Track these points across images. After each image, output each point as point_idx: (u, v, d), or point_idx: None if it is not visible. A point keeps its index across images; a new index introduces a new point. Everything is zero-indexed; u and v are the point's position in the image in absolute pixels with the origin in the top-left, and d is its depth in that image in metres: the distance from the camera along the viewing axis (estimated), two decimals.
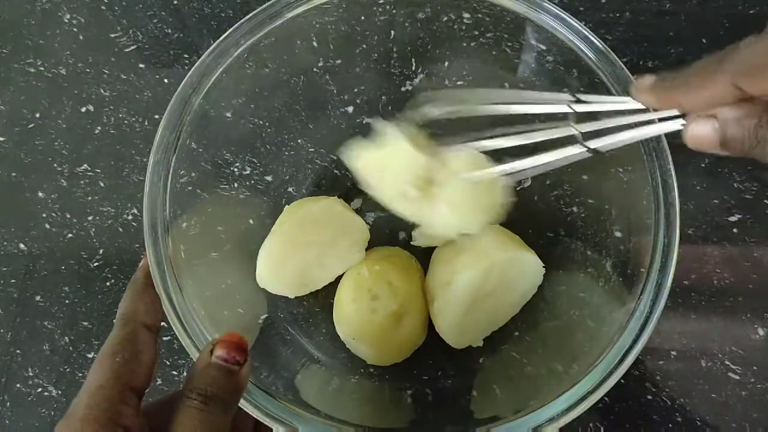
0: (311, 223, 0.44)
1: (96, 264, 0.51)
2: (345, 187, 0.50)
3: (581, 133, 0.31)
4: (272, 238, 0.44)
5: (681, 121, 0.27)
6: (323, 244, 0.43)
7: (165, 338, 0.48)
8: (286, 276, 0.43)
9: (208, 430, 0.26)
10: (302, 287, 0.44)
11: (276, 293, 0.44)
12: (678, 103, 0.26)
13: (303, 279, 0.44)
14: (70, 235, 0.52)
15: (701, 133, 0.24)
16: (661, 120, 0.28)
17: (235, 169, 0.44)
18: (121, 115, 0.55)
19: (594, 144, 0.31)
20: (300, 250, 0.43)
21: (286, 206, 0.46)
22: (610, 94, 0.38)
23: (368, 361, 0.44)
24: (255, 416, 0.32)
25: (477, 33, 0.43)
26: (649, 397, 0.46)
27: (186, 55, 0.57)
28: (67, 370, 0.48)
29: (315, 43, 0.43)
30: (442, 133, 0.38)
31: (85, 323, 0.50)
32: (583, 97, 0.32)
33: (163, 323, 0.33)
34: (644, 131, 0.29)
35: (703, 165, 0.51)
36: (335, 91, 0.47)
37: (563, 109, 0.32)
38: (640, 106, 0.29)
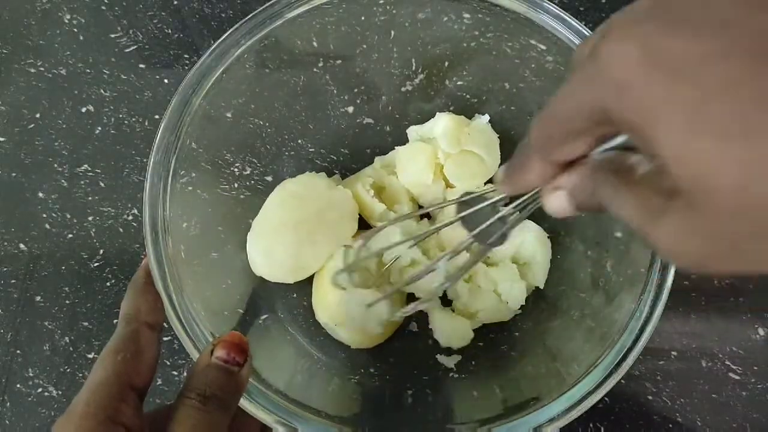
0: (293, 201, 0.44)
1: (96, 264, 0.51)
2: None
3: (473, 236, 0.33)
4: (258, 224, 0.44)
5: (538, 197, 0.27)
6: (310, 220, 0.43)
7: (165, 338, 0.48)
8: (279, 259, 0.43)
9: (207, 429, 0.26)
10: (300, 270, 0.44)
11: (274, 280, 0.44)
12: (524, 188, 0.26)
13: (298, 261, 0.43)
14: (70, 236, 0.52)
15: (556, 206, 0.25)
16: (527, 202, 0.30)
17: (235, 169, 0.44)
18: (121, 116, 0.55)
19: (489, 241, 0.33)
20: (288, 230, 0.43)
21: (269, 195, 0.46)
22: None
23: (351, 346, 0.44)
24: (255, 416, 0.32)
25: (477, 33, 0.43)
26: (650, 397, 0.46)
27: (186, 56, 0.57)
28: (68, 370, 0.48)
29: (315, 43, 0.43)
30: None
31: (86, 323, 0.50)
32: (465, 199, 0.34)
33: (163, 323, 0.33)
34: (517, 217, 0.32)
35: None
36: (335, 91, 0.47)
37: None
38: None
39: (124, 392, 0.27)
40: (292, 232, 0.43)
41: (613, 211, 0.21)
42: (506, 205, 0.32)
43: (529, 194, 0.29)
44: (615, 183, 0.20)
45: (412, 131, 0.49)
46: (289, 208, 0.44)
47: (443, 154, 0.46)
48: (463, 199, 0.34)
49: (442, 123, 0.46)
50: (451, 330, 0.44)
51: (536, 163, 0.24)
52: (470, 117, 0.48)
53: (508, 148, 0.47)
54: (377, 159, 0.49)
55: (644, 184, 0.19)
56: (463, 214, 0.33)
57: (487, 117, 0.47)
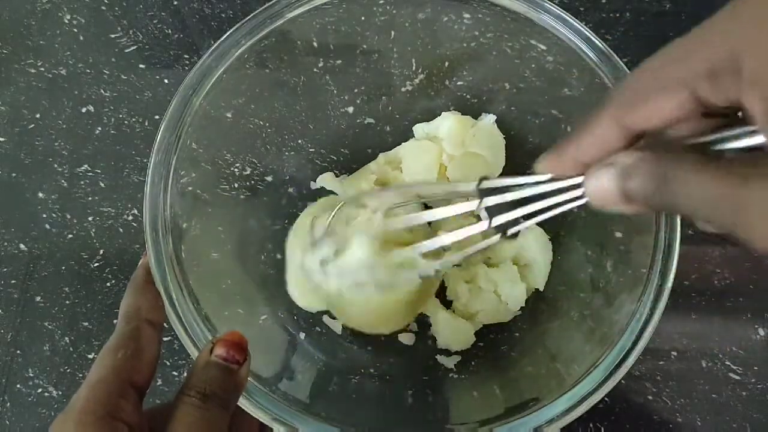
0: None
1: (96, 264, 0.51)
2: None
3: (490, 220, 0.29)
4: (289, 266, 0.45)
5: (580, 180, 0.23)
6: None
7: (165, 338, 0.48)
8: (321, 293, 0.43)
9: (206, 427, 0.26)
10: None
11: (316, 311, 0.45)
12: (574, 161, 0.23)
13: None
14: (70, 236, 0.52)
15: (598, 186, 0.21)
16: (564, 192, 0.25)
17: (236, 170, 0.44)
18: (121, 116, 0.55)
19: (505, 229, 0.29)
20: None
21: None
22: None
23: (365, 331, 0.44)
24: (255, 416, 0.32)
25: (477, 33, 0.43)
26: (650, 397, 0.46)
27: (186, 56, 0.57)
28: (68, 370, 0.48)
29: (315, 43, 0.43)
30: None
31: (86, 324, 0.49)
32: (488, 183, 0.30)
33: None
34: (551, 211, 0.27)
35: None
36: (335, 91, 0.47)
37: (472, 192, 0.30)
38: (544, 178, 0.26)
39: (123, 389, 0.27)
40: None
41: (676, 203, 0.18)
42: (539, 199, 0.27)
43: (569, 183, 0.25)
44: (693, 163, 0.17)
45: (419, 128, 0.49)
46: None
47: (447, 156, 0.46)
48: (487, 185, 0.29)
49: (447, 124, 0.46)
50: (452, 333, 0.44)
51: (605, 121, 0.20)
52: (474, 117, 0.48)
53: (510, 149, 0.47)
54: (381, 155, 0.49)
55: (728, 164, 0.17)
56: (490, 202, 0.29)
57: (493, 117, 0.47)
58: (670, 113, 0.19)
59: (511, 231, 0.29)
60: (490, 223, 0.29)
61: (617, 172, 0.21)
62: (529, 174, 0.27)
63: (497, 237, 0.30)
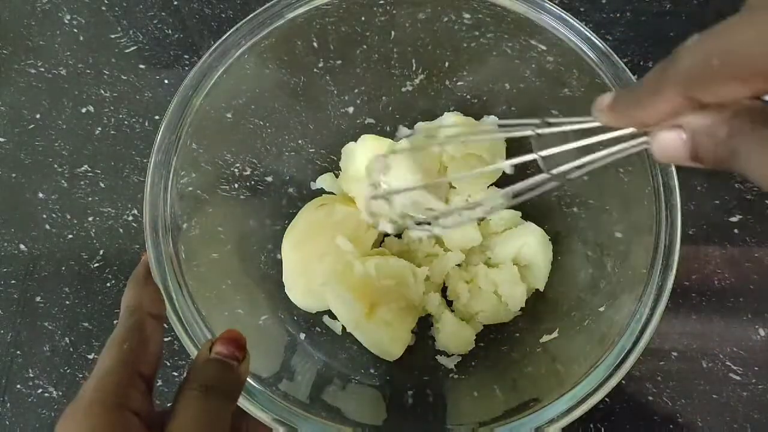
0: (305, 245, 0.44)
1: (96, 265, 0.51)
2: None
3: (542, 157, 0.29)
4: (287, 272, 0.45)
5: (644, 139, 0.24)
6: (327, 246, 0.43)
7: (165, 339, 0.48)
8: (321, 295, 0.43)
9: (209, 418, 0.26)
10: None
11: (320, 310, 0.45)
12: (637, 120, 0.23)
13: None
14: (70, 236, 0.52)
15: (668, 145, 0.22)
16: (626, 139, 0.25)
17: (236, 170, 0.44)
18: (121, 116, 0.55)
19: (557, 170, 0.28)
20: (314, 267, 0.43)
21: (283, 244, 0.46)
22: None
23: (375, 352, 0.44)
24: (255, 416, 0.32)
25: (477, 33, 0.43)
26: (650, 397, 0.46)
27: (186, 56, 0.57)
28: (68, 371, 0.48)
29: (315, 44, 0.43)
30: None
31: (86, 324, 0.49)
32: (548, 120, 0.29)
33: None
34: (607, 153, 0.26)
35: None
36: (335, 92, 0.47)
37: (528, 132, 0.30)
38: (597, 125, 0.26)
39: (132, 379, 0.27)
40: (316, 266, 0.43)
41: (744, 168, 0.19)
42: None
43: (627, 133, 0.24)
44: (760, 140, 0.18)
45: (419, 127, 0.49)
46: (302, 249, 0.44)
47: (447, 157, 0.46)
48: (549, 121, 0.29)
49: (448, 124, 0.46)
50: (454, 335, 0.44)
51: (671, 95, 0.20)
52: (474, 117, 0.48)
53: (511, 150, 0.47)
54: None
55: None
56: (546, 130, 0.29)
57: (494, 118, 0.47)
58: (744, 93, 0.19)
59: (564, 172, 0.28)
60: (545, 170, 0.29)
61: (688, 135, 0.21)
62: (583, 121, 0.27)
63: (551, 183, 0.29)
